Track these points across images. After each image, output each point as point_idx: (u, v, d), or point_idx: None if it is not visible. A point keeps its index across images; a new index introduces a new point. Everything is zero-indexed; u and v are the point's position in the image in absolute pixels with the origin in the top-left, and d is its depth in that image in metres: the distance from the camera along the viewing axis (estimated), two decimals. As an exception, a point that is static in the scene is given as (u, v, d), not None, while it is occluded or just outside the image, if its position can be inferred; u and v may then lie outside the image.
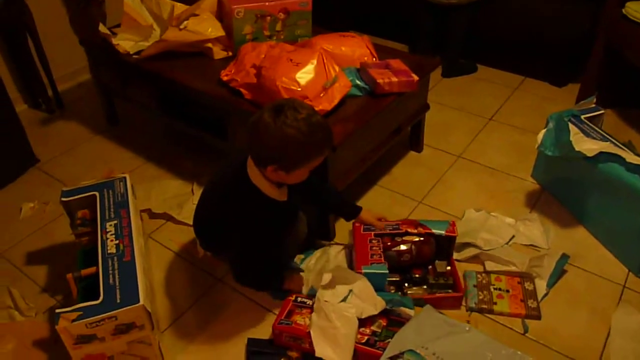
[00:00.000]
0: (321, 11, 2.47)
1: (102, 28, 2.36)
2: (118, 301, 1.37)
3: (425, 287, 1.75)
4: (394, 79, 1.91)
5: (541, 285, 1.76)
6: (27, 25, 2.64)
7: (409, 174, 2.32)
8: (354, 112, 1.86)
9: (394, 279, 1.75)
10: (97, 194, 1.75)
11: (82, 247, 1.72)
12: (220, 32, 2.20)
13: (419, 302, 1.68)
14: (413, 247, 1.76)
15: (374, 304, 1.58)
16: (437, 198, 2.18)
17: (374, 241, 1.74)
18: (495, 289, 1.75)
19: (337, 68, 1.84)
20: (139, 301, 1.37)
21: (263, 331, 1.67)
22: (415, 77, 1.94)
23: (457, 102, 2.82)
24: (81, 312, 1.34)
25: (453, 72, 3.07)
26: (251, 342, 1.63)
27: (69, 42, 2.89)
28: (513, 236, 1.94)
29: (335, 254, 1.87)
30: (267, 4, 2.14)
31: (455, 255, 1.86)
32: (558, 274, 1.78)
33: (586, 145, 1.84)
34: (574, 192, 2.03)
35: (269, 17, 2.17)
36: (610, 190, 1.84)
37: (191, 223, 1.85)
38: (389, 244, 1.76)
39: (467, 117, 2.70)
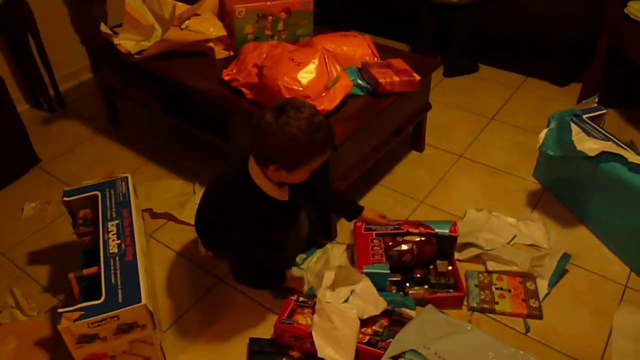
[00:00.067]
0: (322, 11, 2.46)
1: (103, 28, 2.36)
2: (120, 301, 1.37)
3: (426, 287, 1.75)
4: (396, 79, 1.91)
5: (543, 285, 1.76)
6: (29, 25, 2.64)
7: (410, 174, 2.32)
8: (355, 112, 1.86)
9: (396, 278, 1.75)
10: (98, 193, 1.75)
11: (84, 246, 1.72)
12: (222, 32, 2.20)
13: (420, 302, 1.68)
14: (414, 247, 1.76)
15: (375, 305, 1.58)
16: (438, 198, 2.18)
17: (375, 241, 1.74)
18: (496, 288, 1.75)
19: (338, 68, 1.84)
20: (140, 301, 1.37)
21: (265, 331, 1.67)
22: (417, 77, 1.94)
23: (459, 101, 2.82)
24: (83, 312, 1.34)
25: (454, 71, 3.06)
26: (253, 342, 1.63)
27: (70, 41, 2.89)
28: (514, 236, 1.94)
29: (336, 254, 1.87)
30: (268, 3, 2.14)
31: (457, 255, 1.86)
32: (559, 273, 1.78)
33: (588, 144, 1.84)
34: (575, 192, 2.02)
35: (270, 17, 2.17)
36: (612, 189, 1.83)
37: (193, 223, 1.86)
38: (390, 243, 1.76)
39: (469, 117, 2.70)
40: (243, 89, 1.93)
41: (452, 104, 2.79)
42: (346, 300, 1.57)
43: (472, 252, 1.87)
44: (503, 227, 1.97)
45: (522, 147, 2.44)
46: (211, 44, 2.21)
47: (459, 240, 1.83)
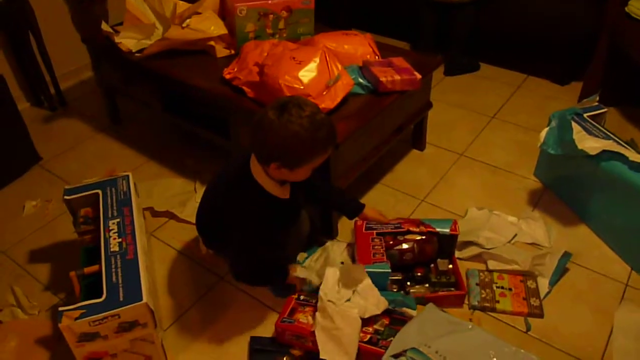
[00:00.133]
0: (324, 9, 2.46)
1: (104, 26, 2.36)
2: (121, 299, 1.37)
3: (427, 285, 1.75)
4: (397, 77, 1.90)
5: (544, 284, 1.76)
6: (30, 23, 2.64)
7: (411, 172, 2.32)
8: (356, 110, 1.86)
9: (396, 277, 1.74)
10: (99, 192, 1.75)
11: (85, 245, 1.72)
12: (223, 30, 2.20)
13: (421, 301, 1.68)
14: (415, 245, 1.76)
15: (376, 304, 1.58)
16: (439, 196, 2.18)
17: (376, 240, 1.74)
18: (497, 287, 1.75)
19: (339, 66, 1.84)
20: (142, 299, 1.37)
21: (266, 329, 1.67)
22: (418, 75, 1.94)
23: (460, 100, 2.82)
24: (84, 310, 1.34)
25: (455, 70, 3.06)
26: (254, 340, 1.63)
27: (71, 40, 2.89)
28: (515, 234, 1.94)
29: (336, 252, 1.87)
30: (269, 2, 2.14)
31: (458, 254, 1.86)
32: (560, 272, 1.78)
33: (589, 143, 1.84)
34: (576, 191, 2.02)
35: (271, 15, 2.17)
36: (612, 188, 1.83)
37: (193, 221, 1.86)
38: (391, 242, 1.76)
39: (470, 115, 2.70)
40: (244, 88, 1.93)
41: (453, 102, 2.79)
42: (348, 300, 1.57)
43: (473, 250, 1.87)
44: (504, 226, 1.97)
45: (523, 146, 2.44)
46: (212, 43, 2.21)
47: (460, 239, 1.83)
